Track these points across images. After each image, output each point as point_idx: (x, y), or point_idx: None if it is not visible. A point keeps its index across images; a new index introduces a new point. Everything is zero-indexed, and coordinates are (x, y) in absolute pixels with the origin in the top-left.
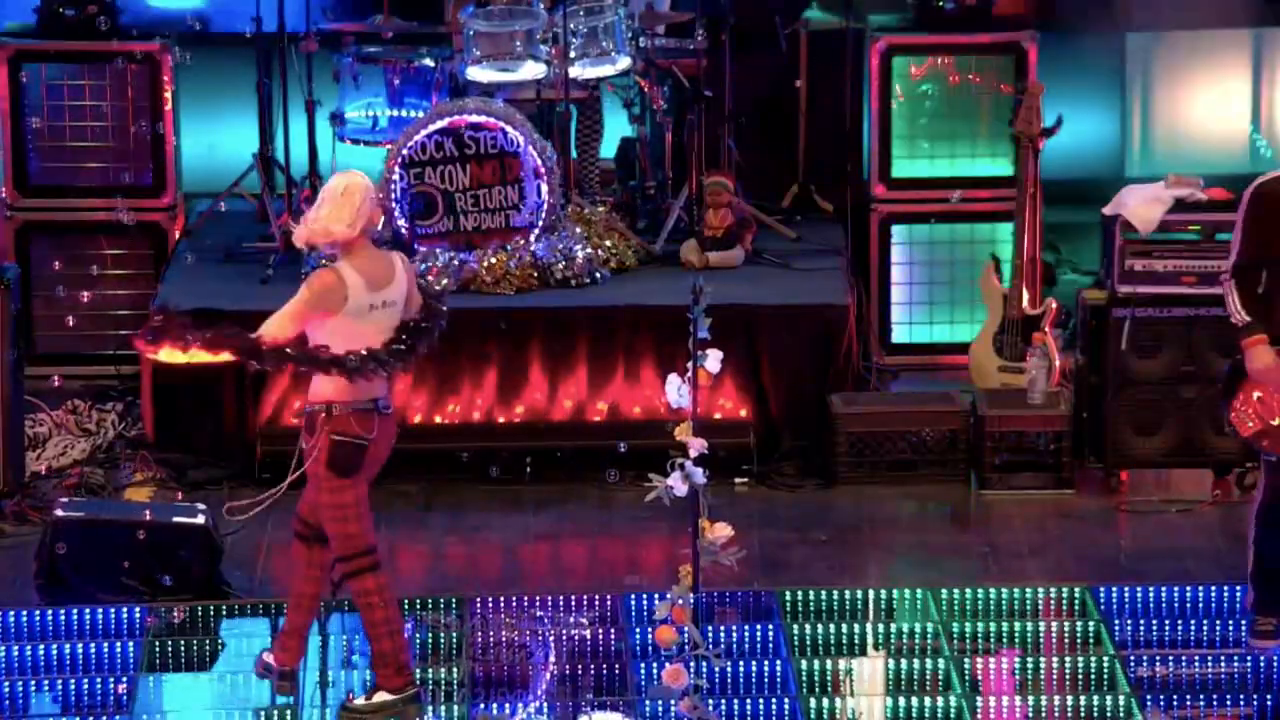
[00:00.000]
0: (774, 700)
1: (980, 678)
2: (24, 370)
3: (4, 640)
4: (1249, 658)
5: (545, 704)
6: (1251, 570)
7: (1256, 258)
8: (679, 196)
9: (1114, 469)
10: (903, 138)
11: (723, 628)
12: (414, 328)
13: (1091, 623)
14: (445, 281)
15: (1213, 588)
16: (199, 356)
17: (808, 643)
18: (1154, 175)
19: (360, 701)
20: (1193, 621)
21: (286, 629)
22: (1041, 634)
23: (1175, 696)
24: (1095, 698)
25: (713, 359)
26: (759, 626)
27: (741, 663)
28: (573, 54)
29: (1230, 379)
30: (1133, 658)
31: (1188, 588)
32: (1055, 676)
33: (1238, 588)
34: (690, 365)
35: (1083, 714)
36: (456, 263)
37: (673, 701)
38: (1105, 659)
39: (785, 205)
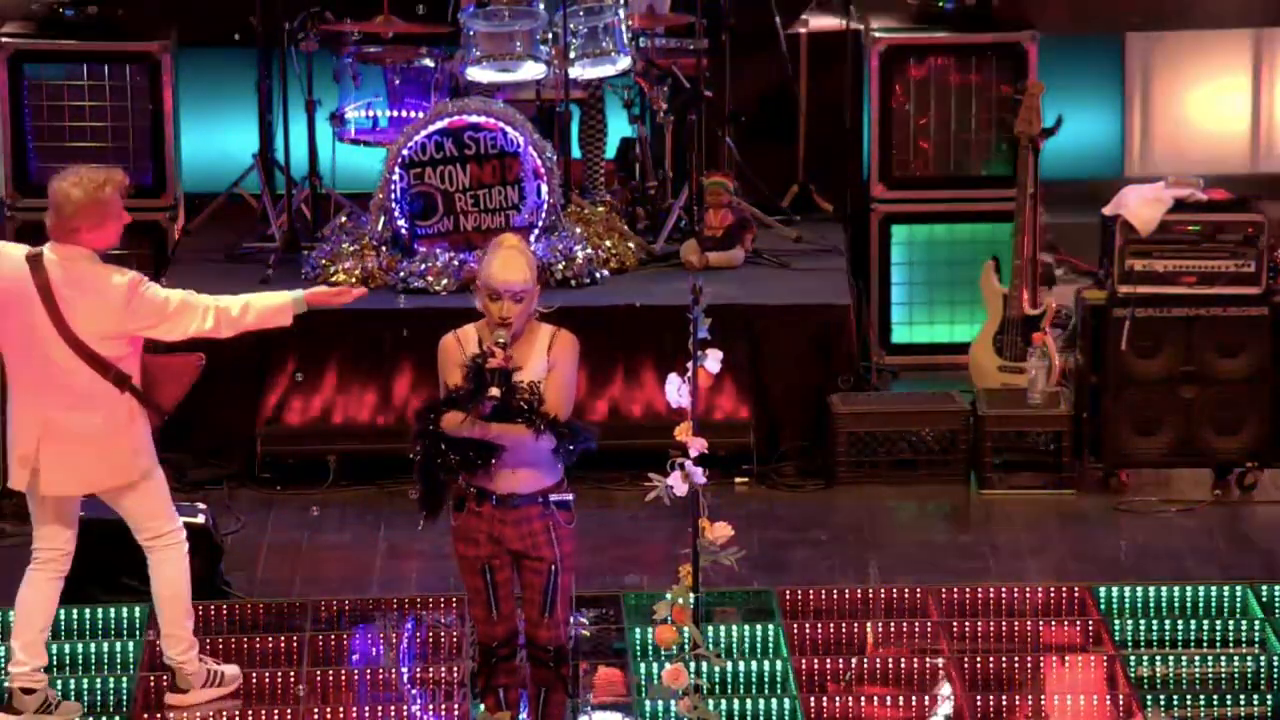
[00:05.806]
0: (774, 700)
1: (980, 677)
2: None
3: (4, 640)
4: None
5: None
6: None
7: None
8: (679, 196)
9: (1114, 469)
10: (903, 138)
11: (723, 627)
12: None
13: (1091, 623)
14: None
15: (1213, 588)
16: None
17: (808, 643)
18: (1154, 175)
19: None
20: (1193, 621)
21: None
22: (1041, 634)
23: (1175, 696)
24: (1095, 698)
25: (713, 359)
26: (759, 626)
27: (741, 663)
28: (573, 54)
29: None
30: (1133, 658)
31: (1188, 588)
32: (1055, 676)
33: (1238, 587)
34: (690, 365)
35: (1083, 714)
36: (456, 263)
37: (673, 701)
38: (1105, 659)
39: (785, 205)
